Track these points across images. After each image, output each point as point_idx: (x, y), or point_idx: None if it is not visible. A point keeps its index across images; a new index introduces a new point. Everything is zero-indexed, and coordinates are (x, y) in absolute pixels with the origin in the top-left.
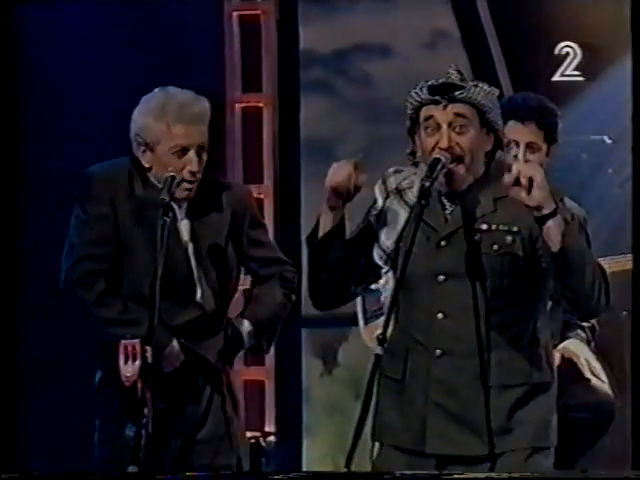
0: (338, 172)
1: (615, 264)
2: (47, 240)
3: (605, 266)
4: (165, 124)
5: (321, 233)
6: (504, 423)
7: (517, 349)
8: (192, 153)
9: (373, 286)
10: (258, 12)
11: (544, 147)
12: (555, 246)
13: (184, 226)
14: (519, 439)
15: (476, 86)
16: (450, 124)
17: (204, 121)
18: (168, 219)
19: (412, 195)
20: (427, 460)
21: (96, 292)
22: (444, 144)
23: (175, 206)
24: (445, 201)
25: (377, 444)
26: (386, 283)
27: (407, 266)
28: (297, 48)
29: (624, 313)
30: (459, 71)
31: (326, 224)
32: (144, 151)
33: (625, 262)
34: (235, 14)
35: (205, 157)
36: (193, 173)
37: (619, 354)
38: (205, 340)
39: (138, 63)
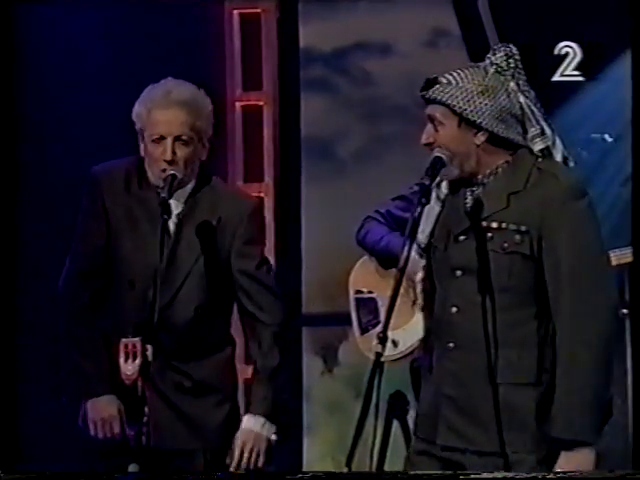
0: None
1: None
2: (47, 239)
3: None
4: (147, 109)
5: None
6: (513, 421)
7: (527, 348)
8: (168, 142)
9: (367, 296)
10: (258, 10)
11: None
12: None
13: (172, 226)
14: (528, 438)
15: (449, 83)
16: (432, 120)
17: (188, 110)
18: (167, 217)
19: (444, 188)
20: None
21: (79, 305)
22: (423, 139)
23: (172, 203)
24: (467, 194)
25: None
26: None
27: (407, 262)
28: (297, 46)
29: (624, 311)
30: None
31: None
32: (140, 141)
33: (620, 256)
34: (235, 12)
35: (187, 150)
36: (168, 162)
37: (619, 353)
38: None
39: (139, 62)
